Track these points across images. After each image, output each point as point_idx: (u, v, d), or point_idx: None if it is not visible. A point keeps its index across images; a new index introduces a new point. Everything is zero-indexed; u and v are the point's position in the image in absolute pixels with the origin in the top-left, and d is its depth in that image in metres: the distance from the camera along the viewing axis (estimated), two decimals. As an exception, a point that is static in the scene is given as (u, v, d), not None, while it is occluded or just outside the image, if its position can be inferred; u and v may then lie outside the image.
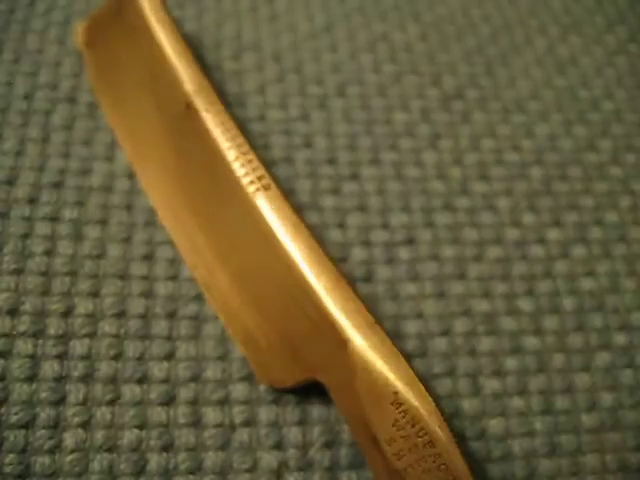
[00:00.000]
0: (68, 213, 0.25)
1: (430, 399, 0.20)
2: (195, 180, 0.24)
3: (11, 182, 0.25)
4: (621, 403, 0.25)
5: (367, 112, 0.29)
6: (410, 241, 0.26)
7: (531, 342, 0.25)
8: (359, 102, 0.29)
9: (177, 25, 0.25)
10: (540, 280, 0.26)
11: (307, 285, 0.21)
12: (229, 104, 0.28)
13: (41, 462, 0.21)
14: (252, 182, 0.22)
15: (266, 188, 0.22)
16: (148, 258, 0.25)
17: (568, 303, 0.26)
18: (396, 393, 0.20)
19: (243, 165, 0.22)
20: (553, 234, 0.27)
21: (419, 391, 0.20)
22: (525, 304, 0.26)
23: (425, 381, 0.23)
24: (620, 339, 0.26)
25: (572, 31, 0.33)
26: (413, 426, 0.19)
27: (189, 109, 0.23)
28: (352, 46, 0.31)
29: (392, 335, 0.24)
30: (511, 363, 0.25)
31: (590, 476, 0.23)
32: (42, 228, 0.25)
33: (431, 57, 0.31)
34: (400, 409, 0.20)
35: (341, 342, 0.20)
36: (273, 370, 0.23)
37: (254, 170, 0.22)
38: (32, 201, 0.25)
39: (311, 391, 0.23)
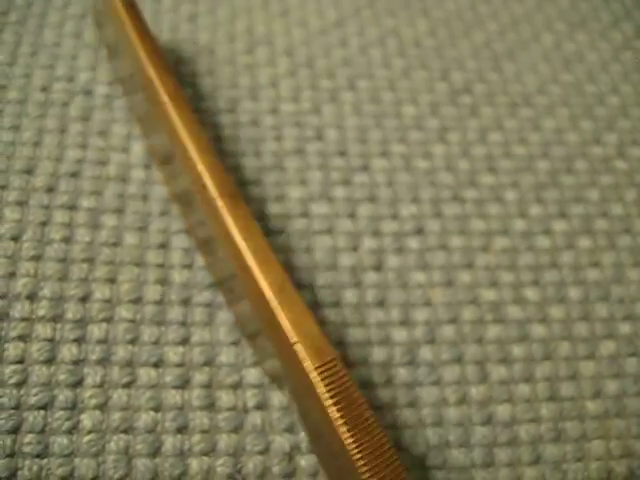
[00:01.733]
0: (85, 202, 0.26)
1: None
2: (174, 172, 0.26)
3: (30, 171, 0.26)
4: (625, 391, 0.25)
5: (377, 105, 0.30)
6: (419, 231, 0.27)
7: (537, 330, 0.26)
8: (369, 96, 0.30)
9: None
10: (546, 270, 0.27)
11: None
12: (242, 97, 0.29)
13: (59, 442, 0.22)
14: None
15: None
16: (164, 246, 0.25)
17: (574, 293, 0.27)
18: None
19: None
20: (559, 225, 0.28)
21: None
22: (532, 293, 0.26)
23: (433, 368, 0.24)
24: (625, 328, 0.26)
25: (578, 27, 0.34)
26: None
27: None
28: (362, 41, 0.32)
29: (401, 322, 0.25)
30: (518, 351, 0.25)
31: (595, 462, 0.24)
32: (60, 216, 0.25)
33: (440, 52, 0.32)
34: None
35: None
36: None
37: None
38: (50, 190, 0.26)
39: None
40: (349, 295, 0.25)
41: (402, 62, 0.31)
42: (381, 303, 0.25)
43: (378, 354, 0.24)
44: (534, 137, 0.30)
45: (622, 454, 0.24)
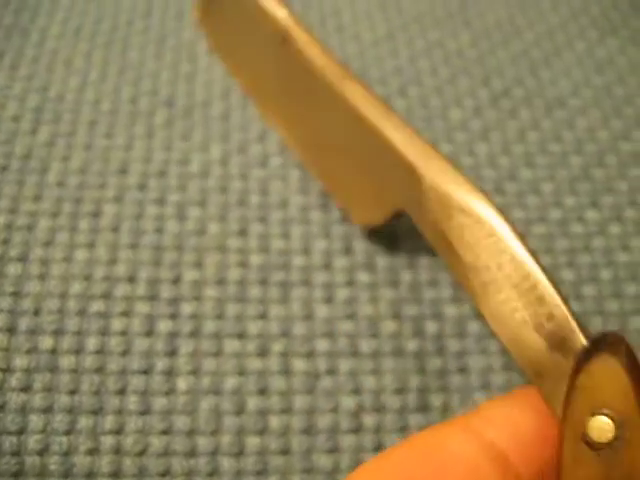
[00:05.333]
0: (172, 197, 0.29)
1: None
2: (295, 91, 0.30)
3: (123, 171, 0.30)
4: (655, 360, 0.28)
5: (426, 110, 0.33)
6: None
7: (573, 307, 0.28)
8: (419, 101, 0.33)
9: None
10: (580, 254, 0.30)
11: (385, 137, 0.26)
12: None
13: (159, 402, 0.25)
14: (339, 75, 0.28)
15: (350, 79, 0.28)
16: (242, 233, 0.29)
17: (605, 274, 0.29)
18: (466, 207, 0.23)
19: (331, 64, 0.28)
20: (591, 214, 0.31)
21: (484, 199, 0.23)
22: (567, 274, 0.29)
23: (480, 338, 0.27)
24: None
25: (609, 34, 0.37)
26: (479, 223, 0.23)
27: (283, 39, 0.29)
28: (411, 52, 0.35)
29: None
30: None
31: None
32: (151, 210, 0.29)
33: (481, 61, 0.35)
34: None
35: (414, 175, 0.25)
36: (365, 210, 0.28)
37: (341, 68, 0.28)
38: (142, 187, 0.29)
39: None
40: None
41: (447, 70, 0.34)
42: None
43: (431, 327, 0.28)
44: (568, 135, 0.33)
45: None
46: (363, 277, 0.28)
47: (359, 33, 0.35)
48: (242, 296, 0.27)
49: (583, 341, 0.20)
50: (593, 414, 0.18)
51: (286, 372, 0.26)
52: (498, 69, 0.35)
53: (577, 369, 0.19)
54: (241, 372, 0.26)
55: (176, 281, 0.27)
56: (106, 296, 0.27)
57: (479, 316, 0.27)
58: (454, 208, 0.24)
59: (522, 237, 0.22)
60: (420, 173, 0.25)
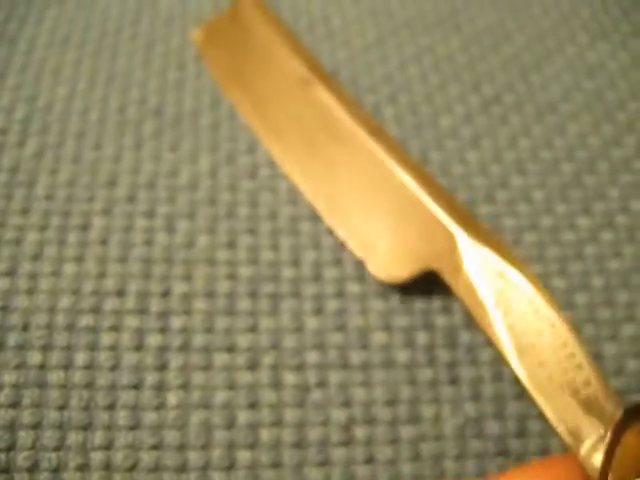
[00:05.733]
0: (161, 209, 0.29)
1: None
2: (313, 135, 0.30)
3: (112, 183, 0.30)
4: (646, 369, 0.28)
5: (416, 117, 0.33)
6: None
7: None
8: (409, 109, 0.33)
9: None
10: (572, 261, 0.29)
11: (417, 194, 0.27)
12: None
13: (149, 417, 0.25)
14: (366, 127, 0.29)
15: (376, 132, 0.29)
16: (232, 246, 0.29)
17: (597, 281, 0.29)
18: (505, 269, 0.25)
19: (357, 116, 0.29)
20: (583, 221, 0.30)
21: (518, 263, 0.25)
22: (558, 282, 0.29)
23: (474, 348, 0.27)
24: None
25: (600, 38, 0.37)
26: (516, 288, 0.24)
27: (306, 83, 0.30)
28: (401, 58, 0.35)
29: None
30: (546, 333, 0.28)
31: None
32: (141, 222, 0.29)
33: (472, 66, 0.35)
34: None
35: (450, 235, 0.26)
36: (390, 269, 0.27)
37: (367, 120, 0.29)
38: (131, 199, 0.29)
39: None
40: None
41: (437, 77, 0.34)
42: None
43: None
44: (559, 142, 0.33)
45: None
46: (353, 288, 0.28)
47: (349, 39, 0.35)
48: (231, 309, 0.27)
49: (618, 409, 0.21)
50: None
51: (276, 385, 0.26)
52: (489, 74, 0.35)
53: (614, 439, 0.20)
54: (231, 386, 0.26)
55: (165, 294, 0.27)
56: (95, 310, 0.27)
57: (469, 326, 0.27)
58: (492, 272, 0.25)
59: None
60: (458, 236, 0.26)
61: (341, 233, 0.29)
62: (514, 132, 0.33)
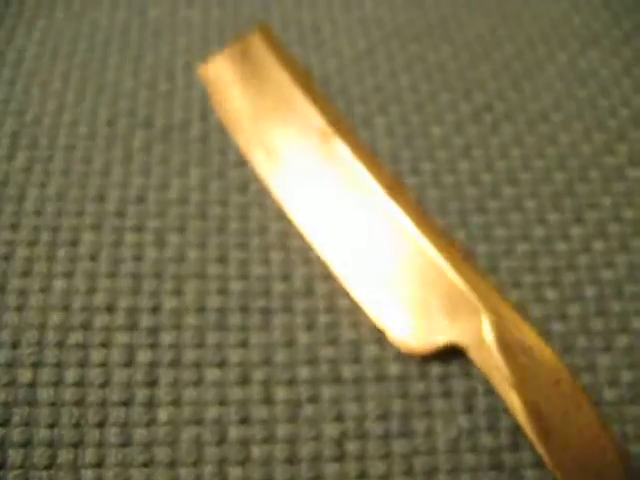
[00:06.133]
0: (151, 223, 0.29)
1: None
2: (332, 191, 0.29)
3: (101, 197, 0.29)
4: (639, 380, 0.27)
5: (407, 127, 0.33)
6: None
7: (557, 327, 0.28)
8: (399, 119, 0.33)
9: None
10: (564, 272, 0.29)
11: (443, 265, 0.27)
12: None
13: (139, 434, 0.25)
14: (389, 188, 0.28)
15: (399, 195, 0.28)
16: (222, 260, 0.28)
17: (590, 291, 0.29)
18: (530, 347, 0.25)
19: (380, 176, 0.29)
20: (576, 231, 0.30)
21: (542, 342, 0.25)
22: (551, 293, 0.29)
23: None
24: (638, 323, 0.28)
25: (591, 45, 0.37)
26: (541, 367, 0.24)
27: (326, 136, 0.29)
28: (391, 68, 0.35)
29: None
30: (539, 345, 0.28)
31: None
32: (130, 237, 0.29)
33: (462, 75, 0.35)
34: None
35: (476, 309, 0.26)
36: (412, 341, 0.27)
37: (389, 181, 0.29)
38: (120, 214, 0.29)
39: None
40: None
41: (428, 86, 0.34)
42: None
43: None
44: (551, 151, 0.33)
45: (637, 437, 0.26)
46: (344, 302, 0.28)
47: (339, 48, 0.35)
48: (222, 324, 0.27)
49: None
50: None
51: (268, 400, 0.26)
52: (480, 83, 0.35)
53: None
54: (222, 401, 0.26)
55: (155, 310, 0.27)
56: (85, 327, 0.27)
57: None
58: (518, 350, 0.25)
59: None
60: (483, 312, 0.26)
61: (358, 297, 0.28)
62: (505, 141, 0.33)
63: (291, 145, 0.30)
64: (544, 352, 0.25)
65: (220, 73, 0.32)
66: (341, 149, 0.29)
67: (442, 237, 0.28)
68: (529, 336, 0.25)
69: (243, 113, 0.31)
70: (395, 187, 0.29)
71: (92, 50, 0.34)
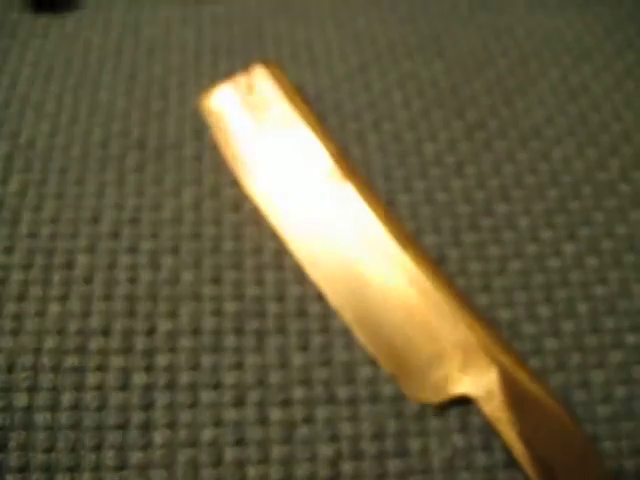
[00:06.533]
0: (145, 244, 0.29)
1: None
2: (336, 233, 0.29)
3: (96, 219, 0.29)
4: (634, 395, 0.27)
5: (400, 145, 0.33)
6: (441, 259, 0.30)
7: (550, 344, 0.28)
8: (392, 136, 0.33)
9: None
10: (557, 288, 0.29)
11: (456, 318, 0.27)
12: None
13: (136, 457, 0.25)
14: (399, 238, 0.29)
15: (412, 244, 0.29)
16: (216, 281, 0.28)
17: (583, 308, 0.29)
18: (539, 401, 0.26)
19: (390, 224, 0.29)
20: (568, 247, 0.30)
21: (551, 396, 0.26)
22: (544, 310, 0.29)
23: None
24: (631, 339, 0.28)
25: (583, 60, 0.37)
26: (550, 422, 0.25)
27: (333, 175, 0.30)
28: (384, 84, 0.35)
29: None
30: (532, 363, 0.28)
31: (608, 460, 0.26)
32: (125, 259, 0.29)
33: (455, 91, 0.35)
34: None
35: (488, 362, 0.26)
36: (423, 390, 0.27)
37: (399, 229, 0.29)
38: (114, 235, 0.29)
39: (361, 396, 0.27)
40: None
41: (421, 103, 0.34)
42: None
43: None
44: (543, 167, 0.33)
45: (632, 453, 0.26)
46: (337, 323, 0.28)
47: (332, 65, 0.35)
48: (217, 346, 0.27)
49: None
50: None
51: (263, 422, 0.26)
52: (472, 99, 0.35)
53: None
54: (217, 423, 0.26)
55: (151, 332, 0.27)
56: (80, 350, 0.27)
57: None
58: (528, 404, 0.26)
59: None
60: (496, 366, 0.26)
61: (371, 348, 0.28)
62: (498, 158, 0.33)
63: (296, 185, 0.30)
64: (553, 407, 0.26)
65: (224, 104, 0.32)
66: (349, 193, 0.30)
67: (454, 287, 0.28)
68: (538, 390, 0.26)
69: (246, 145, 0.32)
70: (406, 235, 0.29)
71: (85, 70, 0.34)
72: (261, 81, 0.32)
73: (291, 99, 0.32)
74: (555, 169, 0.33)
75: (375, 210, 0.29)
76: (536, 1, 0.39)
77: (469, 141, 0.33)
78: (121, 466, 0.25)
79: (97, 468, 0.25)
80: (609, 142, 0.34)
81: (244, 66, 0.34)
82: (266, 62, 0.33)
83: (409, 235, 0.29)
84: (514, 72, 0.36)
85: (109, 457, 0.25)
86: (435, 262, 0.29)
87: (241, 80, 0.33)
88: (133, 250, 0.29)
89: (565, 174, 0.33)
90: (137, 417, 0.26)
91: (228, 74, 0.34)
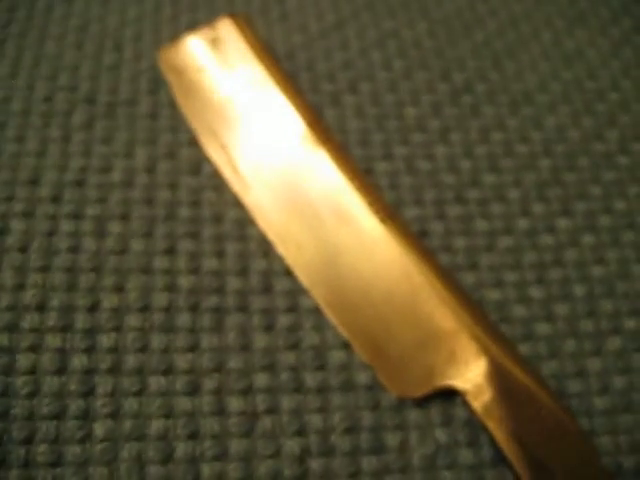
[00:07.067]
0: (90, 210, 0.26)
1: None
2: (308, 203, 0.26)
3: (35, 181, 0.26)
4: (633, 386, 0.25)
5: (379, 108, 0.30)
6: (423, 233, 0.27)
7: (543, 328, 0.26)
8: (370, 98, 0.30)
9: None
10: (550, 268, 0.27)
11: (441, 302, 0.24)
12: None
13: (72, 451, 0.22)
14: (378, 211, 0.26)
15: (391, 218, 0.26)
16: (170, 252, 0.25)
17: (579, 290, 0.27)
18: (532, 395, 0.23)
19: (367, 195, 0.26)
20: (563, 223, 0.28)
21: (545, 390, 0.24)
22: (536, 292, 0.26)
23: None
24: (631, 324, 0.26)
25: (578, 24, 0.34)
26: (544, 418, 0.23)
27: (305, 140, 0.27)
28: (362, 44, 0.32)
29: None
30: (523, 349, 0.25)
31: (605, 457, 0.24)
32: (66, 225, 0.25)
33: (440, 52, 0.32)
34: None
35: (477, 352, 0.24)
36: (405, 381, 0.24)
37: (378, 201, 0.26)
38: (55, 199, 0.26)
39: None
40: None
41: (402, 63, 0.31)
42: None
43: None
44: (536, 135, 0.30)
45: (631, 449, 0.24)
46: (306, 302, 0.25)
47: (306, 22, 0.32)
48: (169, 325, 0.24)
49: None
50: None
51: (220, 412, 0.23)
52: (458, 62, 0.32)
53: None
54: (168, 414, 0.23)
55: (93, 309, 0.24)
56: (11, 328, 0.23)
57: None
58: (520, 399, 0.23)
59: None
60: (486, 355, 0.24)
61: (345, 331, 0.25)
62: (486, 125, 0.30)
63: (265, 147, 0.27)
64: (546, 400, 0.23)
65: (185, 59, 0.29)
66: (324, 160, 0.27)
67: (439, 266, 0.26)
68: (530, 382, 0.24)
69: (210, 105, 0.28)
70: (385, 208, 0.26)
71: (31, 19, 0.31)
72: (227, 35, 0.29)
73: (260, 56, 0.29)
74: (548, 138, 0.30)
75: (351, 179, 0.26)
76: (526, -38, 0.36)
77: (454, 106, 0.30)
78: (55, 462, 0.22)
79: (27, 464, 0.22)
80: (606, 111, 0.31)
81: (209, 19, 0.31)
82: (233, 15, 0.30)
83: (388, 207, 0.26)
84: (504, 34, 0.33)
85: (41, 452, 0.22)
86: (417, 237, 0.27)
87: (205, 33, 0.29)
88: (76, 216, 0.26)
89: (559, 144, 0.30)
90: (75, 406, 0.23)
91: (191, 27, 0.31)
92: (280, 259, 0.26)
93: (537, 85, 0.32)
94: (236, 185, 0.27)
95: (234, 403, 0.23)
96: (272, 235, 0.26)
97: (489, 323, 0.25)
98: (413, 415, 0.24)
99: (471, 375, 0.23)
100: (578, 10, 0.35)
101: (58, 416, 0.22)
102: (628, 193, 0.29)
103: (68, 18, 0.31)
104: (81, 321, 0.24)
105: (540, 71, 0.32)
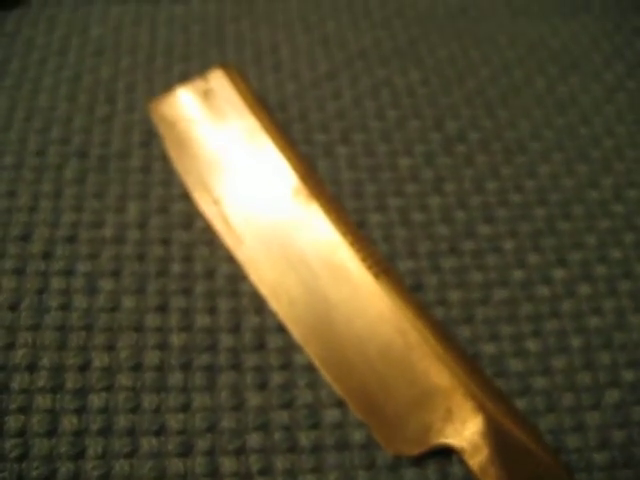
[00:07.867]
0: (82, 267, 0.26)
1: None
2: (301, 258, 0.26)
3: (26, 237, 0.26)
4: (632, 440, 0.25)
5: (372, 158, 0.30)
6: (418, 286, 0.27)
7: (539, 382, 0.25)
8: (364, 149, 0.30)
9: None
10: (547, 320, 0.27)
11: (437, 359, 0.24)
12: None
13: (62, 515, 0.22)
14: (371, 266, 0.25)
15: (385, 272, 0.25)
16: (161, 309, 0.25)
17: (576, 341, 0.26)
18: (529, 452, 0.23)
19: (361, 250, 0.26)
20: (558, 273, 0.28)
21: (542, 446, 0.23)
22: (532, 345, 0.26)
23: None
24: (629, 376, 0.26)
25: (571, 70, 0.34)
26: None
27: (298, 194, 0.26)
28: (355, 92, 0.32)
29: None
30: (520, 404, 0.25)
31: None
32: (57, 283, 0.25)
33: (433, 101, 0.32)
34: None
35: (473, 410, 0.23)
36: (401, 439, 0.23)
37: (372, 255, 0.26)
38: (46, 256, 0.26)
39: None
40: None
41: (396, 113, 0.31)
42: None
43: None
44: (530, 184, 0.30)
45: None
46: (300, 359, 0.25)
47: (298, 71, 0.32)
48: (161, 384, 0.24)
49: None
50: None
51: (213, 474, 0.23)
52: (452, 110, 0.32)
53: None
54: (160, 476, 0.22)
55: (83, 368, 0.24)
56: (1, 389, 0.23)
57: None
58: (518, 456, 0.23)
59: None
60: (483, 414, 0.23)
61: (340, 388, 0.24)
62: (480, 174, 0.30)
63: (256, 195, 0.27)
64: (545, 457, 0.23)
65: (177, 111, 0.29)
66: (317, 215, 0.26)
67: (434, 322, 0.25)
68: (528, 439, 0.23)
69: (202, 157, 0.28)
70: (379, 262, 0.26)
71: (25, 72, 0.31)
72: (219, 86, 0.29)
73: (252, 107, 0.29)
74: (542, 186, 0.30)
75: (344, 233, 0.26)
76: (519, 8, 0.36)
77: (448, 155, 0.30)
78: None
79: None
80: (600, 158, 0.31)
81: (201, 70, 0.31)
82: (225, 66, 0.30)
83: (382, 260, 0.26)
84: (496, 82, 0.33)
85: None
86: (411, 291, 0.26)
87: (197, 85, 0.29)
88: (67, 273, 0.25)
89: (553, 192, 0.30)
90: (65, 469, 0.22)
91: (183, 78, 0.31)
92: (273, 315, 0.25)
93: (530, 133, 0.31)
94: (228, 239, 0.26)
95: (227, 464, 0.23)
96: (265, 290, 0.25)
97: (485, 379, 0.25)
98: (409, 474, 0.23)
99: (467, 433, 0.23)
100: (571, 56, 0.35)
101: (48, 479, 0.22)
102: (624, 241, 0.29)
103: (61, 70, 0.31)
104: (72, 381, 0.23)
105: (533, 118, 0.32)
